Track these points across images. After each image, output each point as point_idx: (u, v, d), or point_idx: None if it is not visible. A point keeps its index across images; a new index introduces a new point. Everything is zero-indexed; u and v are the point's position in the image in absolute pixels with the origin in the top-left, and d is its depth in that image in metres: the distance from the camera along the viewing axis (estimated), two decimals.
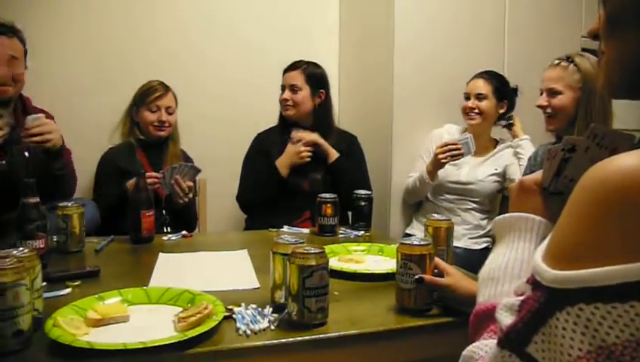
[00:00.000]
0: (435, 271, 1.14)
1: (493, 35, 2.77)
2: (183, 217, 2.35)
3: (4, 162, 1.97)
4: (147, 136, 2.42)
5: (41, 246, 1.40)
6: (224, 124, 2.94)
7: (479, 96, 2.42)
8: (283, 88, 2.44)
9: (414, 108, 2.63)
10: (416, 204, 2.61)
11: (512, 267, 0.73)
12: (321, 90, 2.44)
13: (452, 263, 1.30)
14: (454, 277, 1.12)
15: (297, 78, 2.41)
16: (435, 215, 1.49)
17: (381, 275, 1.37)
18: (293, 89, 2.40)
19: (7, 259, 0.92)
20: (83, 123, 2.57)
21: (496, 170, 2.46)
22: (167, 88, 2.45)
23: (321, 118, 2.44)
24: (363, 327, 1.06)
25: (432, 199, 2.52)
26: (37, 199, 1.43)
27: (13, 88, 2.00)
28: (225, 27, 2.98)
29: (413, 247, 1.12)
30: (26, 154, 1.98)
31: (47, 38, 2.36)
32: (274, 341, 0.98)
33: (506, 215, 0.80)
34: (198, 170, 2.25)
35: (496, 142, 2.56)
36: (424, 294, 1.12)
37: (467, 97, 2.46)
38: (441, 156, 2.32)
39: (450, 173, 2.44)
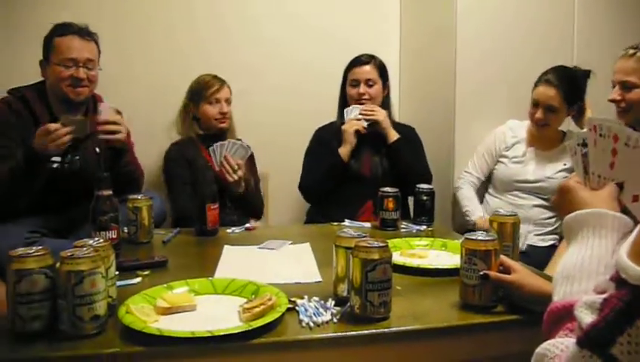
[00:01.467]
0: (501, 268, 1.11)
1: (561, 24, 2.65)
2: (246, 205, 2.40)
3: (77, 157, 2.08)
4: (208, 129, 2.48)
5: (114, 236, 1.46)
6: (285, 118, 2.96)
7: (550, 108, 2.26)
8: (356, 83, 2.42)
9: (477, 101, 2.57)
10: (478, 199, 2.55)
11: (589, 264, 0.71)
12: (387, 83, 2.47)
13: (517, 260, 1.27)
14: (520, 274, 1.09)
15: (372, 72, 2.42)
16: (501, 210, 1.46)
17: (445, 270, 1.35)
18: (369, 83, 2.41)
19: (85, 249, 0.97)
20: (144, 118, 2.65)
21: (565, 165, 2.34)
22: (223, 81, 2.51)
23: (385, 110, 2.44)
24: (426, 323, 1.05)
25: (497, 195, 2.45)
26: (110, 192, 1.49)
27: (88, 89, 2.11)
28: (276, 27, 2.99)
29: (478, 243, 1.09)
30: (97, 150, 2.08)
31: (107, 36, 2.45)
32: (336, 334, 0.99)
33: (578, 211, 0.77)
34: (246, 149, 2.27)
35: (563, 135, 2.45)
36: (489, 290, 1.09)
37: (535, 104, 2.30)
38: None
39: (516, 171, 2.36)
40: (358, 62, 2.43)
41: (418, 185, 2.00)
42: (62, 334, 0.94)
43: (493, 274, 1.08)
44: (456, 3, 2.52)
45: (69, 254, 0.94)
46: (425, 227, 1.93)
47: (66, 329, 0.93)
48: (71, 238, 1.96)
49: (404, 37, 3.14)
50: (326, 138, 2.45)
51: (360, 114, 2.35)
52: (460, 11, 2.52)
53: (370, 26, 3.10)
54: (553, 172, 2.34)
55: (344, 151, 2.33)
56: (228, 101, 2.48)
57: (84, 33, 2.09)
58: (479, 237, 1.10)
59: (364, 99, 2.40)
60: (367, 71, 2.42)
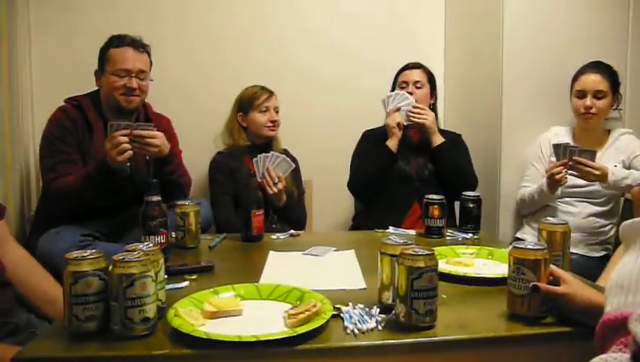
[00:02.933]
0: (550, 278, 1.08)
1: (611, 33, 2.55)
2: (288, 217, 2.42)
3: (128, 165, 2.15)
4: (256, 138, 2.52)
5: (163, 241, 1.50)
6: (328, 124, 2.98)
7: (598, 95, 2.25)
8: (404, 85, 2.46)
9: (523, 110, 2.52)
10: None
11: None
12: (435, 91, 2.50)
13: (568, 270, 1.23)
14: (571, 285, 1.06)
15: (421, 75, 2.47)
16: (550, 218, 1.42)
17: (491, 280, 1.33)
18: (417, 85, 2.45)
19: (136, 253, 1.00)
20: (194, 126, 2.71)
21: (615, 166, 2.23)
22: (270, 91, 2.55)
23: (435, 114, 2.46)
24: (472, 332, 1.03)
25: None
26: (159, 198, 1.53)
27: (139, 98, 2.18)
28: (325, 33, 3.02)
29: (527, 252, 1.07)
30: (147, 157, 2.14)
31: (157, 47, 2.53)
32: (382, 341, 0.99)
33: (636, 219, 0.74)
34: (289, 163, 2.29)
35: (607, 134, 2.36)
36: (538, 301, 1.06)
37: (582, 95, 2.28)
38: (556, 175, 2.16)
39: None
40: (408, 66, 2.50)
41: (464, 193, 1.98)
42: (114, 334, 0.97)
43: (543, 286, 1.05)
44: (503, 12, 2.48)
45: (121, 258, 0.97)
46: (471, 235, 1.90)
47: (117, 330, 0.96)
48: (121, 242, 2.02)
49: (448, 46, 3.12)
50: (374, 139, 2.47)
51: (410, 112, 2.37)
52: (507, 20, 2.48)
53: (415, 33, 3.09)
54: None
55: (392, 143, 2.36)
56: (277, 110, 2.52)
57: (138, 45, 2.18)
58: (528, 246, 1.08)
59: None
60: (417, 73, 2.47)
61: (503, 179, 2.52)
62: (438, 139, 2.36)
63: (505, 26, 2.48)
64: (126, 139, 1.93)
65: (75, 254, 1.00)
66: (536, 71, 2.50)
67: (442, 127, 2.56)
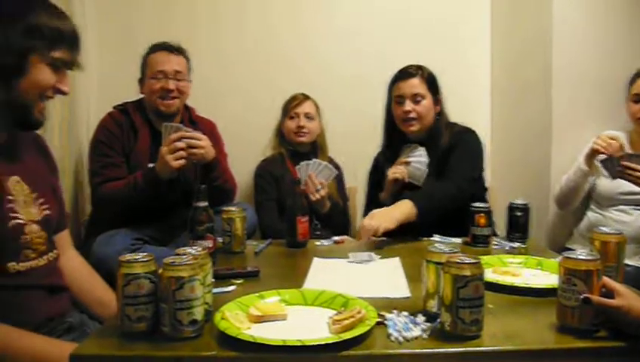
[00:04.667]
0: (603, 290, 1.05)
1: None
2: (332, 222, 2.43)
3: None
4: (290, 144, 2.55)
5: (210, 246, 1.53)
6: (374, 135, 2.97)
7: None
8: (401, 100, 2.14)
9: (574, 112, 2.46)
10: (577, 215, 2.42)
11: None
12: (439, 96, 2.19)
13: (622, 282, 1.19)
14: (626, 298, 1.02)
15: (419, 85, 2.13)
16: (603, 228, 1.37)
17: (540, 290, 1.29)
18: (416, 99, 2.12)
19: (185, 256, 1.03)
20: (240, 133, 2.76)
21: None
22: (306, 97, 2.56)
23: (439, 129, 2.16)
24: (520, 344, 1.01)
25: (599, 210, 2.31)
26: (206, 203, 1.57)
27: (178, 100, 2.25)
28: (369, 40, 3.03)
29: (578, 262, 1.04)
30: (194, 161, 2.19)
31: (208, 55, 2.58)
32: (427, 350, 0.98)
33: None
34: (332, 170, 2.30)
35: None
36: (589, 314, 1.03)
37: (637, 99, 2.20)
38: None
39: (619, 183, 2.21)
40: (402, 75, 2.16)
41: (513, 201, 1.93)
42: (163, 335, 1.00)
43: (595, 298, 1.01)
44: (552, 9, 2.43)
45: (171, 261, 1.00)
46: (518, 244, 1.86)
47: (167, 331, 0.99)
48: (170, 246, 2.08)
49: (495, 45, 3.07)
50: (375, 172, 2.34)
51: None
52: (556, 18, 2.42)
53: (459, 35, 3.06)
54: None
55: (384, 197, 2.15)
56: (308, 116, 2.53)
57: (173, 48, 2.27)
58: (579, 257, 1.05)
59: (410, 117, 2.13)
60: (414, 84, 2.13)
61: (554, 187, 2.45)
62: (410, 216, 1.88)
63: (554, 27, 2.43)
64: (182, 145, 1.99)
65: (127, 257, 1.04)
66: (587, 74, 2.44)
67: (481, 122, 2.48)
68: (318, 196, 2.28)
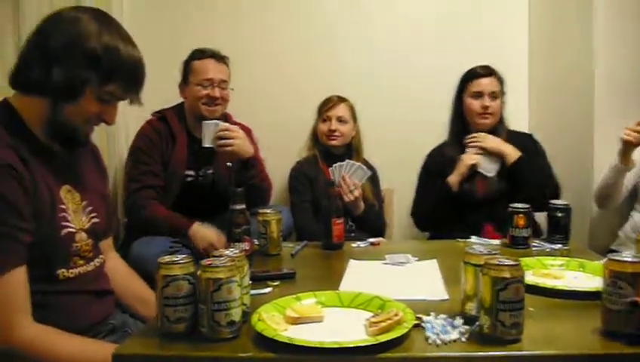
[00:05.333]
0: None
1: None
2: (367, 224, 2.42)
3: (210, 171, 2.24)
4: (323, 147, 2.55)
5: (247, 248, 1.54)
6: (409, 133, 2.96)
7: None
8: (478, 95, 2.30)
9: (618, 106, 2.37)
10: (622, 216, 2.34)
11: None
12: (505, 95, 2.35)
13: None
14: None
15: (495, 84, 2.31)
16: None
17: (584, 293, 1.25)
18: (493, 96, 2.29)
19: (222, 258, 1.04)
20: (274, 136, 2.77)
21: None
22: (341, 99, 2.55)
23: (499, 124, 2.34)
24: (562, 348, 0.98)
25: None
26: (243, 206, 1.58)
27: (221, 107, 2.29)
28: (403, 42, 3.01)
29: (624, 264, 1.00)
30: (229, 164, 2.22)
31: (244, 58, 2.61)
32: (466, 353, 0.96)
33: None
34: (365, 171, 2.30)
35: None
36: (637, 318, 0.99)
37: None
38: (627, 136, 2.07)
39: None
40: (479, 73, 2.32)
41: (552, 201, 1.89)
42: (202, 336, 1.01)
43: None
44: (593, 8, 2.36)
45: (208, 263, 1.01)
46: (560, 246, 1.81)
47: (205, 332, 1.00)
48: None
49: (533, 37, 3.00)
50: (436, 164, 2.38)
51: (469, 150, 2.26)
52: (598, 17, 2.36)
53: (496, 28, 3.01)
54: None
55: (454, 180, 2.24)
56: (340, 119, 2.52)
57: (218, 56, 2.31)
58: (626, 259, 1.02)
59: (488, 113, 2.29)
60: (491, 83, 2.31)
61: (596, 186, 2.38)
62: (512, 155, 2.21)
63: (596, 21, 2.36)
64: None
65: (166, 259, 1.05)
66: (631, 67, 2.35)
67: (518, 125, 2.45)
68: (351, 197, 2.28)
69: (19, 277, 1.13)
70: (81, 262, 1.31)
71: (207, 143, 2.15)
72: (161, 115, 2.34)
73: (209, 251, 1.91)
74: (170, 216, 2.15)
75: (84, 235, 1.32)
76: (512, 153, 2.22)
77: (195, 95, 2.27)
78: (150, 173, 2.22)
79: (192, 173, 2.26)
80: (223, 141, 2.10)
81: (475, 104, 2.31)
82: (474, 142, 2.26)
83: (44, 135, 1.26)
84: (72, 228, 1.28)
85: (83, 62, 1.19)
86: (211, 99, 2.27)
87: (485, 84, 2.30)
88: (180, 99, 2.40)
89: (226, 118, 2.43)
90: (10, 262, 1.12)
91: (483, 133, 2.28)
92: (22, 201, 1.14)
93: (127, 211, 2.31)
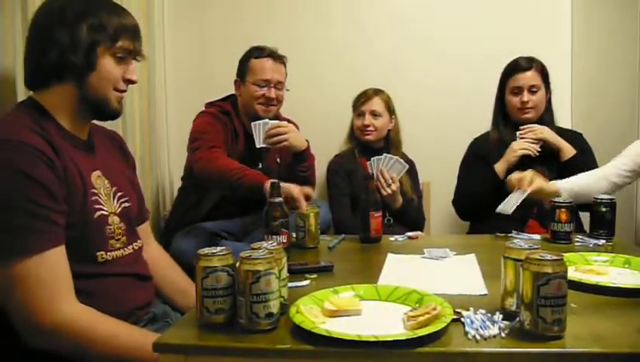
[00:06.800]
0: None
1: None
2: (405, 218, 2.41)
3: (260, 166, 2.25)
4: (359, 141, 2.54)
5: (284, 241, 1.55)
6: (446, 126, 2.92)
7: None
8: (518, 90, 2.28)
9: None
10: None
11: None
12: (550, 86, 2.31)
13: None
14: None
15: (535, 77, 2.27)
16: None
17: (629, 290, 1.22)
18: (532, 90, 2.27)
19: (261, 251, 1.05)
20: (311, 130, 2.76)
21: None
22: (376, 92, 2.53)
23: (546, 116, 2.31)
24: (608, 346, 0.95)
25: None
26: (281, 199, 1.60)
27: (276, 107, 2.29)
28: (440, 35, 2.98)
29: None
30: (278, 160, 2.23)
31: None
32: (506, 349, 0.95)
33: None
34: (403, 164, 2.28)
35: None
36: None
37: None
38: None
39: None
40: (519, 67, 2.30)
41: (597, 196, 1.84)
42: (240, 327, 1.02)
43: None
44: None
45: (247, 255, 1.02)
46: (604, 241, 1.76)
47: (243, 324, 1.02)
48: (245, 241, 2.13)
49: (576, 29, 2.91)
50: (481, 150, 2.36)
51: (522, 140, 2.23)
52: None
53: (538, 19, 2.93)
54: None
55: (501, 168, 2.22)
56: (374, 113, 2.50)
57: (277, 56, 2.30)
58: None
59: (528, 107, 2.27)
60: (530, 76, 2.27)
61: None
62: (567, 151, 2.18)
63: None
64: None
65: (206, 250, 1.07)
66: None
67: (559, 124, 2.39)
68: (389, 191, 2.27)
69: (58, 257, 1.18)
70: (118, 245, 1.35)
71: (260, 144, 2.13)
72: (221, 108, 2.31)
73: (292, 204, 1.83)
74: (247, 169, 2.01)
75: (116, 219, 1.36)
76: (568, 149, 2.20)
77: (252, 94, 2.26)
78: (215, 147, 2.13)
79: None
80: (276, 138, 2.09)
81: (514, 100, 2.30)
82: (529, 131, 2.23)
83: (71, 123, 1.32)
84: (105, 211, 1.32)
85: (88, 32, 1.26)
86: (267, 99, 2.26)
87: (524, 78, 2.27)
88: (223, 94, 2.41)
89: (275, 115, 2.44)
90: (48, 242, 1.16)
91: (539, 125, 2.24)
92: (55, 185, 1.18)
93: (192, 166, 2.16)
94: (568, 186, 1.92)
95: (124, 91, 1.36)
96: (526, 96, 2.25)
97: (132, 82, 1.36)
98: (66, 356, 1.19)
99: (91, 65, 1.27)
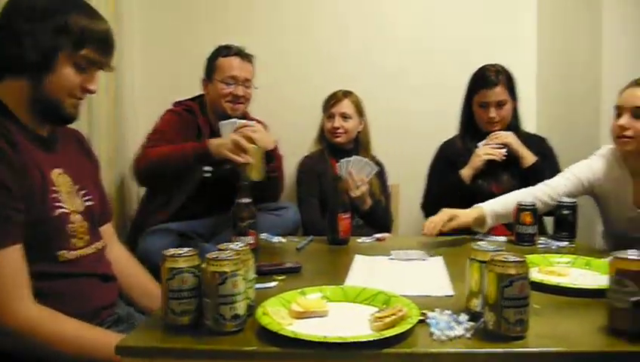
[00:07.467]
0: None
1: None
2: (374, 221, 2.42)
3: (228, 166, 2.24)
4: (330, 142, 2.55)
5: (252, 242, 1.55)
6: (416, 131, 2.95)
7: (637, 113, 1.78)
8: (485, 105, 2.27)
9: None
10: None
11: None
12: (516, 95, 2.32)
13: None
14: None
15: (502, 92, 2.26)
16: None
17: (589, 291, 1.25)
18: (500, 104, 2.27)
19: (228, 251, 1.04)
20: (280, 132, 2.76)
21: None
22: (346, 95, 2.54)
23: (512, 123, 2.33)
24: (568, 346, 0.97)
25: None
26: (249, 200, 1.59)
27: (243, 105, 2.28)
28: (410, 35, 3.01)
29: (629, 262, 1.00)
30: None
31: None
32: (470, 349, 0.96)
33: None
34: (372, 166, 2.30)
35: None
36: None
37: (619, 113, 1.83)
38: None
39: None
40: (486, 83, 2.26)
41: (560, 199, 1.88)
42: (206, 329, 1.01)
43: None
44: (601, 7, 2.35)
45: (214, 256, 1.01)
46: (566, 243, 1.81)
47: (209, 325, 1.00)
48: (212, 242, 2.11)
49: (541, 36, 2.98)
50: (450, 155, 2.38)
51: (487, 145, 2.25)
52: (606, 3, 2.34)
53: (505, 28, 3.00)
54: None
55: (466, 173, 2.25)
56: (344, 115, 2.52)
57: (244, 55, 2.30)
58: (631, 256, 1.01)
59: (495, 122, 2.28)
60: (498, 92, 2.25)
61: None
62: (528, 159, 2.21)
63: (604, 17, 2.35)
64: (248, 146, 1.99)
65: (171, 251, 1.06)
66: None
67: (525, 129, 2.43)
68: (358, 192, 2.28)
69: (14, 255, 1.15)
70: (81, 243, 1.32)
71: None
72: (187, 107, 2.30)
73: (237, 152, 1.94)
74: (177, 146, 2.07)
75: (79, 217, 1.33)
76: (529, 157, 2.22)
77: (219, 92, 2.26)
78: (166, 142, 2.13)
79: (210, 168, 2.25)
80: (235, 157, 2.07)
81: (482, 114, 2.31)
82: (494, 138, 2.25)
83: (30, 119, 1.28)
84: (66, 209, 1.29)
85: (52, 32, 1.22)
86: (235, 97, 2.25)
87: (492, 95, 2.26)
88: (194, 94, 2.39)
89: (244, 115, 2.42)
90: (5, 240, 1.13)
91: (504, 132, 2.27)
92: (12, 182, 1.15)
93: (135, 167, 2.16)
94: (489, 209, 1.91)
95: (82, 99, 1.32)
96: (493, 112, 2.26)
97: (90, 92, 1.32)
98: (26, 358, 1.16)
99: (48, 67, 1.23)
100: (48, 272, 1.23)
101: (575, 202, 1.87)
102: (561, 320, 1.11)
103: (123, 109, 2.63)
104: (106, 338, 1.16)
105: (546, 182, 2.00)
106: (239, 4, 3.00)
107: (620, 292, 1.00)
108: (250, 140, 2.01)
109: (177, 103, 2.33)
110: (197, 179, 2.16)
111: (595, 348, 0.98)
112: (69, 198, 1.31)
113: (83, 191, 1.38)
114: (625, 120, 1.81)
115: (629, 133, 1.80)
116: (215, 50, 2.32)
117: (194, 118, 2.27)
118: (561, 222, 1.86)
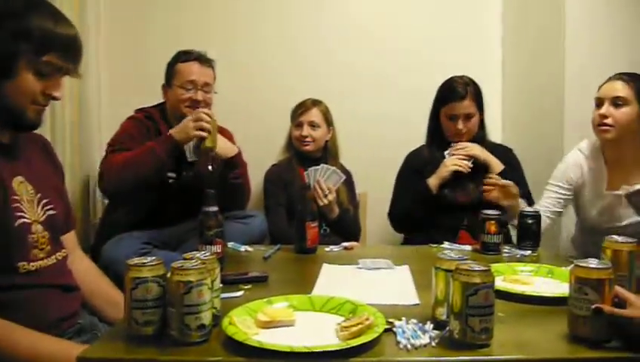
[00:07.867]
0: (616, 299, 1.03)
1: None
2: (342, 230, 2.42)
3: (191, 173, 2.22)
4: (298, 151, 2.55)
5: (219, 251, 1.53)
6: (383, 140, 2.97)
7: (616, 102, 1.96)
8: (453, 117, 2.28)
9: (589, 124, 2.41)
10: None
11: None
12: (483, 106, 2.35)
13: (636, 292, 1.17)
14: (639, 308, 1.00)
15: (470, 105, 2.28)
16: (616, 236, 1.34)
17: (551, 299, 1.28)
18: (468, 117, 2.29)
19: (193, 261, 1.03)
20: (246, 140, 2.75)
21: None
22: (315, 103, 2.55)
23: (479, 134, 2.36)
24: (530, 353, 1.00)
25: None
26: (216, 208, 1.57)
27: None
28: (379, 43, 3.05)
29: (589, 271, 1.02)
30: (210, 168, 2.19)
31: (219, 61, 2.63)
32: (435, 357, 0.97)
33: None
34: (340, 175, 2.31)
35: None
36: (601, 323, 1.01)
37: (599, 104, 2.01)
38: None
39: None
40: (454, 96, 2.27)
41: (523, 209, 1.92)
42: (171, 339, 0.99)
43: (607, 308, 1.00)
44: (564, 8, 2.42)
45: (179, 265, 1.00)
46: (530, 252, 1.84)
47: (174, 336, 0.99)
48: (178, 251, 2.08)
49: (506, 50, 3.06)
50: (417, 164, 2.40)
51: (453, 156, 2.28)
52: (569, 18, 2.41)
53: (470, 40, 3.06)
54: None
55: (433, 182, 2.27)
56: (312, 124, 2.52)
57: (204, 60, 2.28)
58: (591, 265, 1.04)
59: (462, 133, 2.30)
60: (466, 105, 2.27)
61: None
62: (496, 167, 2.24)
63: (567, 31, 2.41)
64: (208, 118, 2.04)
65: (135, 261, 1.04)
66: (603, 73, 2.40)
67: (491, 139, 2.47)
68: (325, 201, 2.28)
69: None
70: (42, 254, 1.29)
71: (191, 158, 2.14)
72: (147, 114, 2.28)
73: (201, 126, 2.02)
74: (141, 148, 2.06)
75: (39, 227, 1.29)
76: (497, 165, 2.26)
77: (178, 97, 2.23)
78: (127, 150, 2.11)
79: (173, 175, 2.22)
80: (199, 132, 2.05)
81: (449, 126, 2.32)
82: (460, 149, 2.28)
83: None
84: (27, 218, 1.26)
85: (11, 37, 1.18)
86: (194, 102, 2.23)
87: (460, 107, 2.27)
88: (160, 100, 2.36)
89: None
90: None
91: (469, 143, 2.29)
92: None
93: (104, 178, 2.11)
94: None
95: (45, 105, 1.27)
96: (461, 125, 2.28)
97: (55, 99, 1.27)
98: None
99: (7, 74, 1.19)
100: (7, 284, 1.19)
101: (538, 212, 1.91)
102: (524, 328, 1.13)
103: (88, 114, 2.58)
104: (65, 350, 1.13)
105: (536, 206, 2.12)
106: (201, 13, 2.99)
107: (581, 300, 1.03)
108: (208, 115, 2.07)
109: (138, 110, 2.31)
110: (161, 181, 2.13)
111: (557, 355, 1.01)
112: (30, 208, 1.28)
113: (45, 200, 1.34)
114: (605, 109, 1.98)
115: (608, 120, 1.97)
116: (174, 56, 2.31)
117: (154, 125, 2.25)
118: (525, 231, 1.89)
